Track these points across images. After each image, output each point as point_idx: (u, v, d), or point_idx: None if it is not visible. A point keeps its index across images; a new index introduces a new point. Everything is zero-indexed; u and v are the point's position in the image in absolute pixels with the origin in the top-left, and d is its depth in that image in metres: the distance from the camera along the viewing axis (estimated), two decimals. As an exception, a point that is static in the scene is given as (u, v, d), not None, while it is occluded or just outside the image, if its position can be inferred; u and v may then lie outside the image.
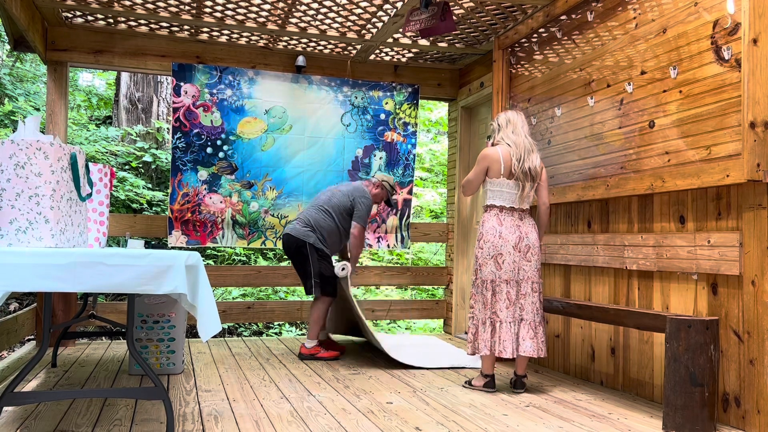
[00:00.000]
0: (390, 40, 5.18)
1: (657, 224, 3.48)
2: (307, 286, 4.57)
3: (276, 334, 7.45)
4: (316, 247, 4.51)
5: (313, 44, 5.41)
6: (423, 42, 5.29)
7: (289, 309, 5.77)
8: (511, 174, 3.62)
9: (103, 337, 5.53)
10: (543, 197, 3.76)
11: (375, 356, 4.74)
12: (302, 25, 4.94)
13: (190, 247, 5.45)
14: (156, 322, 3.99)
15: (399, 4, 4.45)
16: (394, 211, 5.79)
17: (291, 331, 7.55)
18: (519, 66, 4.78)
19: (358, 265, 5.59)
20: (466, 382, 3.80)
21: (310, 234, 4.53)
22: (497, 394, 3.62)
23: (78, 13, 4.83)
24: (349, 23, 4.89)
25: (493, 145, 3.72)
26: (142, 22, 4.95)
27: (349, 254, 4.74)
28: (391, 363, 4.46)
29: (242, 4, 4.52)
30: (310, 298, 5.17)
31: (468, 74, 5.85)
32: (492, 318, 3.57)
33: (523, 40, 4.69)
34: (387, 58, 5.74)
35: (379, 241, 5.76)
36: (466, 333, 5.90)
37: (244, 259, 8.11)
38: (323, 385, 3.77)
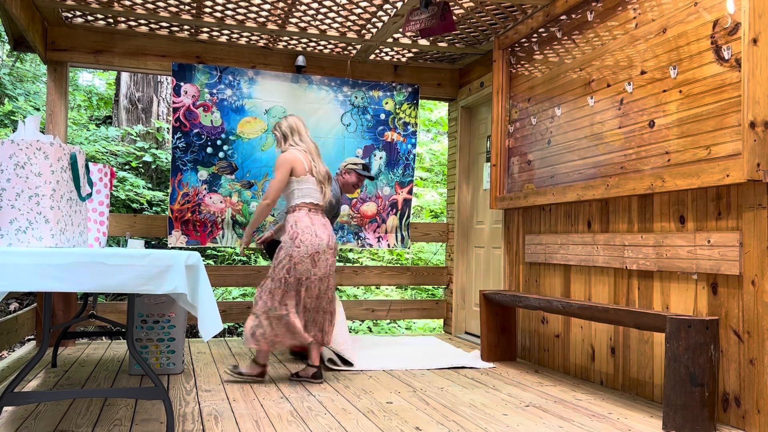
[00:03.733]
0: (390, 40, 5.18)
1: (657, 224, 3.48)
2: None
3: (276, 334, 7.44)
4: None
5: (313, 44, 5.41)
6: (423, 42, 5.29)
7: (289, 309, 5.76)
8: (312, 174, 3.84)
9: (103, 337, 5.53)
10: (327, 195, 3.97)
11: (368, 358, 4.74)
12: (302, 25, 4.94)
13: (190, 247, 5.45)
14: (156, 322, 3.99)
15: (399, 4, 4.45)
16: (394, 211, 5.79)
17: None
18: (519, 66, 4.78)
19: (357, 265, 5.52)
20: (233, 371, 3.84)
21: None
22: (497, 393, 3.62)
23: (78, 13, 4.83)
24: (349, 23, 4.89)
25: (282, 152, 3.91)
26: (142, 22, 4.95)
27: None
28: (389, 363, 4.46)
29: (242, 4, 4.52)
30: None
31: (468, 74, 5.85)
32: (292, 311, 3.71)
33: (523, 40, 4.69)
34: (387, 58, 5.74)
35: (379, 241, 5.76)
36: (466, 333, 5.90)
37: (244, 259, 8.11)
38: (323, 385, 3.77)
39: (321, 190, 3.88)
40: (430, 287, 8.92)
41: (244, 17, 4.79)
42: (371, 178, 4.75)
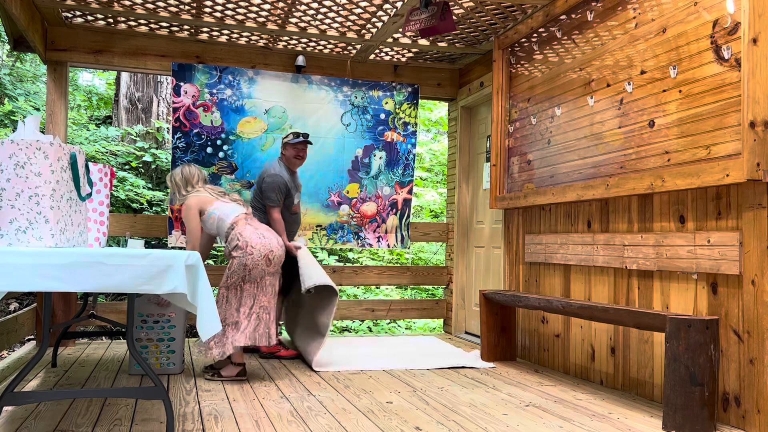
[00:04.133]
0: (390, 39, 5.18)
1: (657, 224, 3.48)
2: None
3: (276, 333, 7.44)
4: None
5: (313, 44, 5.41)
6: (423, 42, 5.29)
7: (289, 309, 5.75)
8: (221, 198, 3.96)
9: (103, 337, 5.53)
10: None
11: (362, 355, 4.73)
12: (302, 24, 4.94)
13: (190, 247, 5.44)
14: (156, 322, 3.99)
15: (399, 4, 4.45)
16: (394, 210, 5.79)
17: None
18: (519, 66, 4.78)
19: (357, 265, 5.52)
20: (211, 374, 3.87)
21: None
22: (497, 393, 3.62)
23: (78, 13, 4.83)
24: (348, 23, 4.89)
25: (181, 202, 4.03)
26: (142, 22, 4.95)
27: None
28: (389, 363, 4.46)
29: (242, 4, 4.52)
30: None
31: (468, 74, 5.85)
32: (258, 311, 3.78)
33: (523, 40, 4.69)
34: (387, 58, 5.74)
35: (379, 241, 5.76)
36: (466, 333, 5.90)
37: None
38: (323, 384, 3.77)
39: (242, 204, 4.01)
40: (430, 287, 8.92)
41: (244, 17, 4.79)
42: (306, 137, 4.55)
